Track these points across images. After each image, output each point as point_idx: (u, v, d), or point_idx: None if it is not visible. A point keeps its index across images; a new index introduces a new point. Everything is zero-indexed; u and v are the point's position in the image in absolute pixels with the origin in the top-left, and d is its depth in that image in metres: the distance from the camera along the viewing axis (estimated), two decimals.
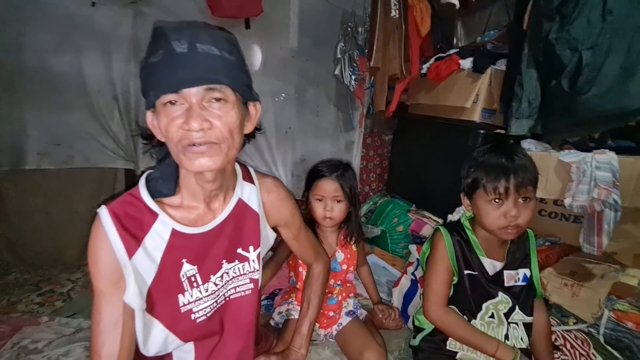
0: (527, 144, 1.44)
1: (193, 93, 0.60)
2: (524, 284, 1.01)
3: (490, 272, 1.00)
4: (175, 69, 0.58)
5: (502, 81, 1.61)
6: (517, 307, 0.99)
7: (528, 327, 1.01)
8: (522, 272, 1.01)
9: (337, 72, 2.23)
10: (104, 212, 0.64)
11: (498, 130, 1.64)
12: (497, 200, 0.91)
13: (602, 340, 1.12)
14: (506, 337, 0.98)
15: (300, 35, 2.17)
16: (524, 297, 1.00)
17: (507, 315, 1.00)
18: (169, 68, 0.58)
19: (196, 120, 0.59)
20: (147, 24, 1.77)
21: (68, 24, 1.64)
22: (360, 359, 1.02)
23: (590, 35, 1.20)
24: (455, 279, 1.01)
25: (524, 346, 0.98)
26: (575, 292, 1.21)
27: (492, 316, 1.00)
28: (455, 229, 1.05)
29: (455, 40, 2.50)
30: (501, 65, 1.64)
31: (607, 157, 1.17)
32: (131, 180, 1.93)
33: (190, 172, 0.67)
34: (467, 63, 1.72)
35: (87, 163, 1.80)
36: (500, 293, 0.99)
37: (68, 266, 1.72)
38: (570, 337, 1.13)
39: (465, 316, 1.01)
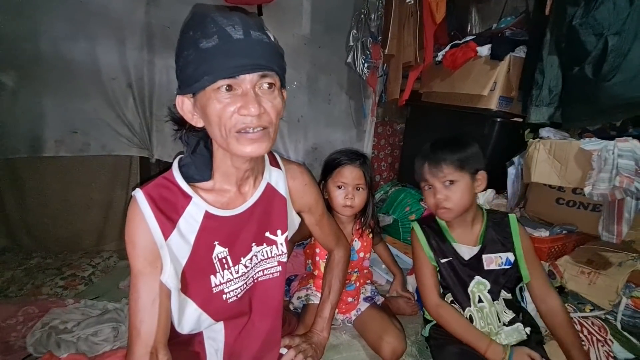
0: (545, 132, 1.42)
1: (248, 79, 0.60)
2: (507, 267, 1.03)
3: (466, 257, 1.04)
4: (233, 54, 0.58)
5: (522, 68, 1.58)
6: (502, 290, 1.02)
7: (508, 302, 1.03)
8: (505, 256, 1.04)
9: (349, 59, 2.21)
10: (139, 194, 0.65)
11: (515, 119, 1.62)
12: (428, 187, 1.00)
13: (619, 326, 1.13)
14: (500, 320, 1.01)
15: (313, 22, 2.13)
16: (508, 279, 1.03)
17: (494, 296, 1.02)
18: (226, 53, 0.58)
19: (254, 105, 0.60)
20: (160, 11, 1.76)
21: (83, 12, 1.63)
22: (380, 342, 1.04)
23: (617, 20, 1.17)
24: (437, 266, 1.06)
25: (510, 318, 1.01)
26: (593, 280, 1.21)
27: (480, 300, 1.02)
28: (426, 221, 1.11)
29: (469, 27, 2.44)
30: (520, 52, 1.61)
31: (630, 145, 1.15)
32: (146, 167, 1.95)
33: (234, 155, 0.67)
34: (484, 50, 1.68)
35: (102, 150, 1.81)
36: (476, 276, 1.03)
37: (87, 251, 1.76)
38: (587, 323, 1.13)
39: (459, 304, 1.04)
